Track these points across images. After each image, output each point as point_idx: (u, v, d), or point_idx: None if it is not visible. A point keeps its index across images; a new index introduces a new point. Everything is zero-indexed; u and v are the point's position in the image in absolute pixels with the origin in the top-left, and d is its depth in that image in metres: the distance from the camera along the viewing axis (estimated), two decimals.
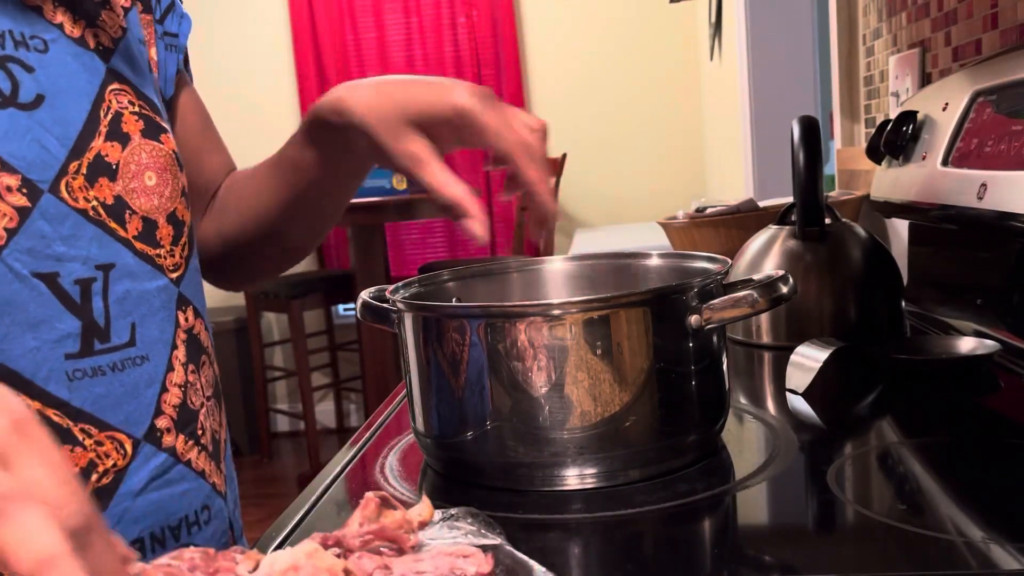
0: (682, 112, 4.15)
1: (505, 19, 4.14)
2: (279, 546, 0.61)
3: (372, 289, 0.80)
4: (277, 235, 0.78)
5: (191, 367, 0.64)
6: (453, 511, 0.50)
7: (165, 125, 0.65)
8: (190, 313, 0.65)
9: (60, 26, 0.59)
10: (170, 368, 0.62)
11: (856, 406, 0.82)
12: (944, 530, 0.54)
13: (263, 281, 0.87)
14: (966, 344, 0.90)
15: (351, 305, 4.07)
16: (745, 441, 0.75)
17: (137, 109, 0.63)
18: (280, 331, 4.23)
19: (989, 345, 0.87)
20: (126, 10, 0.65)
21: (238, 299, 3.99)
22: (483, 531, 0.48)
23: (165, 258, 0.63)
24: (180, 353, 0.63)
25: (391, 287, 0.75)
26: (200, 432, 0.63)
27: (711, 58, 3.55)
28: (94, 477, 0.56)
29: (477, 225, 0.61)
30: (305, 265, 4.13)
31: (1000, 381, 0.85)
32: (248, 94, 4.15)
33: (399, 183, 3.46)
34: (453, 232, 4.35)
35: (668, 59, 4.12)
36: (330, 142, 0.69)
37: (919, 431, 0.74)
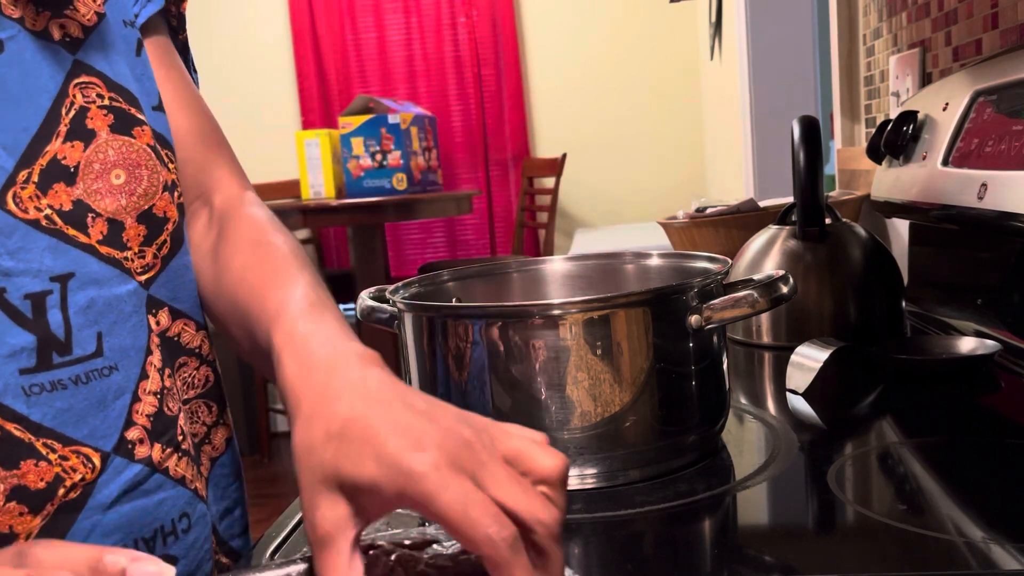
0: (682, 112, 4.15)
1: (505, 19, 4.15)
2: (279, 546, 0.61)
3: (372, 289, 0.80)
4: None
5: (167, 372, 0.61)
6: None
7: (141, 117, 0.61)
8: (163, 316, 0.62)
9: (20, 20, 0.56)
10: (144, 376, 0.59)
11: (856, 406, 0.82)
12: (944, 530, 0.54)
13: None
14: (966, 344, 0.90)
15: (351, 305, 4.05)
16: (745, 441, 0.75)
17: (107, 102, 0.59)
18: None
19: (989, 345, 0.87)
20: None
21: None
22: None
23: (132, 260, 0.60)
24: (155, 358, 0.60)
25: (391, 287, 0.75)
26: (180, 438, 0.61)
27: (711, 58, 3.55)
28: (61, 492, 0.54)
29: None
30: None
31: (1000, 381, 0.85)
32: (248, 94, 4.15)
33: (399, 183, 3.46)
34: (453, 232, 4.35)
35: (668, 59, 4.12)
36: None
37: (919, 431, 0.74)
